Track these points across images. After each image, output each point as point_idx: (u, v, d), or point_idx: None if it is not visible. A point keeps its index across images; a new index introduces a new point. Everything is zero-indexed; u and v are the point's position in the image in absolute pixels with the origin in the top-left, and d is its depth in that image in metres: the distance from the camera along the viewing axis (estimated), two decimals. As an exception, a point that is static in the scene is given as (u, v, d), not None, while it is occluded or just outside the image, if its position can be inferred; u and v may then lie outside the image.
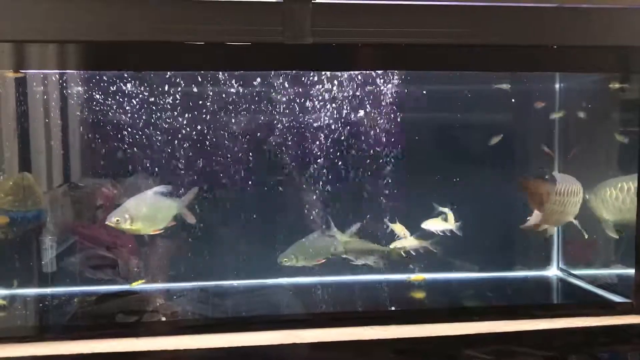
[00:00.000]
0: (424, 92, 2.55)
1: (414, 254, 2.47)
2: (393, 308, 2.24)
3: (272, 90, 2.45)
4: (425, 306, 2.32)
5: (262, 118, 2.48)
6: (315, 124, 2.50)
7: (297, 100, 2.48)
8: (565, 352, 2.00)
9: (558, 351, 1.99)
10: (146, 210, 2.17)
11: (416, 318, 2.03)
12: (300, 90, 2.47)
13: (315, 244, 2.41)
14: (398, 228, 2.48)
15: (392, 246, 2.46)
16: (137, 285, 2.35)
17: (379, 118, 2.53)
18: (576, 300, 2.42)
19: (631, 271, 2.20)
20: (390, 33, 1.88)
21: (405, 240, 2.47)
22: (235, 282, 2.46)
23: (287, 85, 2.46)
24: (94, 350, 1.80)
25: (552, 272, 2.70)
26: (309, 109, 2.49)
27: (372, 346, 1.90)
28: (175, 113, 2.40)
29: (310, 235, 2.43)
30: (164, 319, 2.08)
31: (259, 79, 2.44)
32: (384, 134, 2.54)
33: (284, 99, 2.46)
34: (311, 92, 2.47)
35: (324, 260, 2.39)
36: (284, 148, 2.49)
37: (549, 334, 1.99)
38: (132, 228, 2.13)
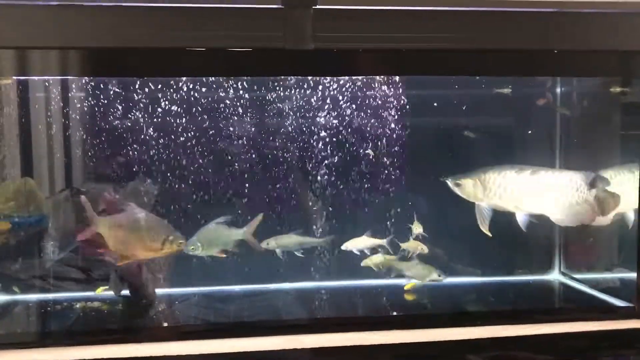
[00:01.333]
0: (425, 97, 2.56)
1: (368, 253, 2.48)
2: (395, 313, 2.23)
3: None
4: (427, 311, 2.31)
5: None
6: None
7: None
8: (568, 357, 1.99)
9: (560, 356, 1.99)
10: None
11: (418, 323, 2.04)
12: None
13: (214, 232, 2.35)
14: (412, 244, 2.50)
15: (343, 247, 2.47)
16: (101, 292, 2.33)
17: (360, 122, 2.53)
18: (578, 305, 2.42)
19: (633, 275, 2.19)
20: (391, 38, 1.89)
21: (359, 240, 2.48)
22: (237, 287, 2.47)
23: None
24: (96, 356, 1.80)
25: (554, 276, 2.69)
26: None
27: (374, 351, 1.90)
28: (175, 118, 2.41)
29: (212, 222, 2.37)
30: (166, 324, 2.09)
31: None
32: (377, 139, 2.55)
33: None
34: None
35: (224, 255, 2.35)
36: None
37: (550, 339, 1.99)
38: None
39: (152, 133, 2.39)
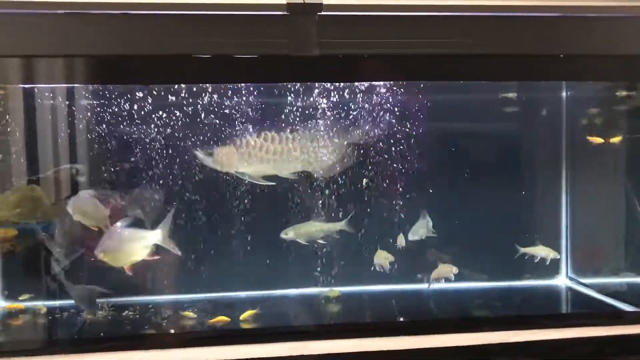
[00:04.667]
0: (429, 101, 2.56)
1: None
2: (402, 319, 2.22)
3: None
4: (434, 317, 2.31)
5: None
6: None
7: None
8: (576, 363, 1.99)
9: (568, 362, 1.99)
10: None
11: (425, 329, 2.03)
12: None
13: None
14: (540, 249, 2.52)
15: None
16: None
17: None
18: (586, 310, 2.41)
19: (641, 279, 2.19)
20: (396, 44, 1.89)
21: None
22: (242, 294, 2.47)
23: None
24: (103, 363, 1.81)
25: (561, 280, 2.68)
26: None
27: (382, 357, 1.89)
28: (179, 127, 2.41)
29: None
30: (172, 331, 2.08)
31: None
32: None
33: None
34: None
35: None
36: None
37: (558, 344, 1.98)
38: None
39: (153, 140, 2.39)
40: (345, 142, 2.38)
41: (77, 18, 1.73)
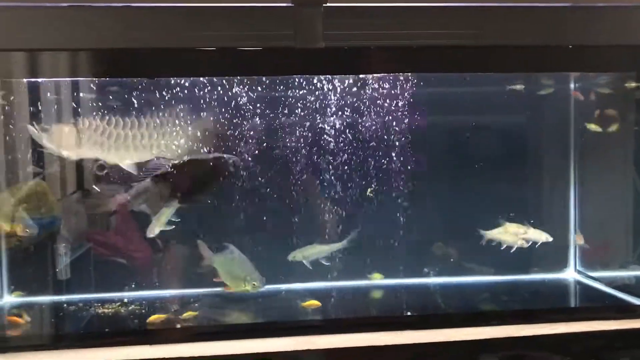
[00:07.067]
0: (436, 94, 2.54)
1: None
2: (408, 313, 2.21)
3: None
4: (440, 311, 2.29)
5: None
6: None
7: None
8: (584, 357, 1.97)
9: (577, 356, 1.97)
10: None
11: (431, 323, 2.03)
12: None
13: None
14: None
15: None
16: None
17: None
18: (594, 304, 2.38)
19: (650, 272, 2.17)
20: (402, 35, 1.88)
21: None
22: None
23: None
24: (108, 358, 1.81)
25: (569, 274, 2.66)
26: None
27: (387, 352, 1.88)
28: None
29: None
30: (178, 325, 2.08)
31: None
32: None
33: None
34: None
35: None
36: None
37: (567, 338, 1.97)
38: None
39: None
40: (199, 129, 2.24)
41: (79, 11, 1.72)
